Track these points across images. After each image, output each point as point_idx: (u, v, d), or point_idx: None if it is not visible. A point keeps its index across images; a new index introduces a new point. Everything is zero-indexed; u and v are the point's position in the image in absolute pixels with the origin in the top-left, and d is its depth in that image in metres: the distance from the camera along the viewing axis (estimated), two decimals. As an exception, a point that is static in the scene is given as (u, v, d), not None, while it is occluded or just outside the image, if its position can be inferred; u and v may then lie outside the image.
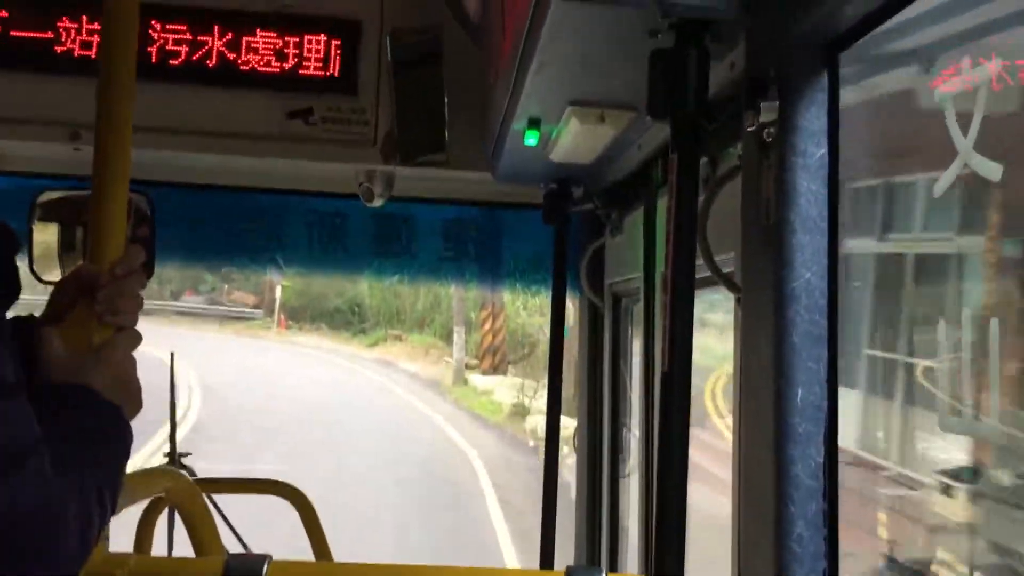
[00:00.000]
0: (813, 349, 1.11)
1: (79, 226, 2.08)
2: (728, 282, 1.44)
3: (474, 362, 20.82)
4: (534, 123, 1.82)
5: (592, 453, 2.60)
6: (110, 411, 1.04)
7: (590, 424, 2.62)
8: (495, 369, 19.94)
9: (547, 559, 2.30)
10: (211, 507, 1.89)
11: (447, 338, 22.59)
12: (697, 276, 1.26)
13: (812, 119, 1.10)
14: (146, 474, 1.56)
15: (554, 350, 2.48)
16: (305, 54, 2.31)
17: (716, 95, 1.29)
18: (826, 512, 1.09)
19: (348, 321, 28.27)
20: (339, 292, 28.24)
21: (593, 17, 1.22)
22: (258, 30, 2.29)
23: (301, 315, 29.74)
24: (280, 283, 26.11)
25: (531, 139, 1.89)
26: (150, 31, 2.25)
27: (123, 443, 1.05)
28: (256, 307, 28.58)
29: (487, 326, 20.49)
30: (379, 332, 26.90)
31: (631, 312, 2.47)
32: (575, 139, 1.81)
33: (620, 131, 1.77)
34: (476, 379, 19.23)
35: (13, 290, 0.99)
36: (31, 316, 1.21)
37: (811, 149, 1.09)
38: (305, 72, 2.31)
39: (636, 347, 2.32)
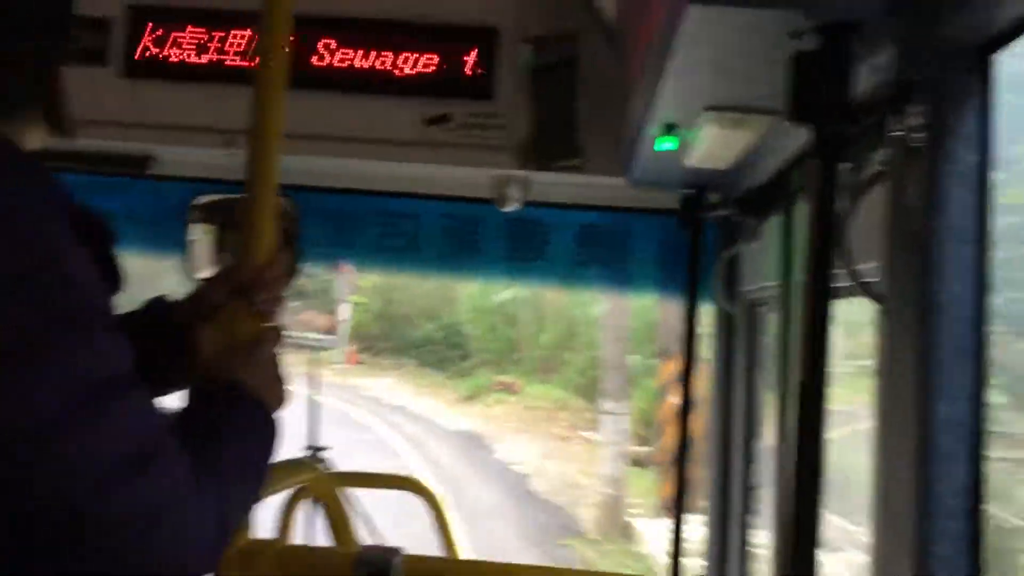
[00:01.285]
0: (960, 364, 1.06)
1: (231, 228, 2.19)
2: (870, 292, 1.39)
3: (642, 450, 11.08)
4: (670, 128, 1.81)
5: (723, 463, 2.56)
6: (258, 407, 1.09)
7: (721, 434, 2.57)
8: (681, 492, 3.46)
9: (676, 568, 2.28)
10: (347, 500, 1.96)
11: (586, 392, 14.20)
12: (836, 285, 1.23)
13: (964, 124, 1.05)
14: (289, 465, 1.63)
15: (687, 360, 2.46)
16: (444, 61, 2.37)
17: (860, 99, 1.25)
18: (970, 534, 1.04)
19: (443, 357, 19.87)
20: (431, 314, 20.65)
21: (732, 21, 1.20)
22: (400, 39, 2.36)
23: (380, 345, 21.65)
24: (347, 299, 19.25)
25: (667, 144, 1.88)
26: (300, 41, 2.34)
27: (269, 437, 1.10)
28: (329, 331, 20.74)
29: (670, 399, 9.23)
30: (481, 376, 17.98)
31: (765, 321, 2.42)
32: (712, 144, 1.79)
33: (758, 136, 1.74)
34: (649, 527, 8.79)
35: (117, 282, 1.04)
36: (173, 305, 1.28)
37: (963, 155, 1.05)
38: (443, 79, 2.36)
39: (770, 357, 2.27)
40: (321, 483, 1.49)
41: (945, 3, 1.07)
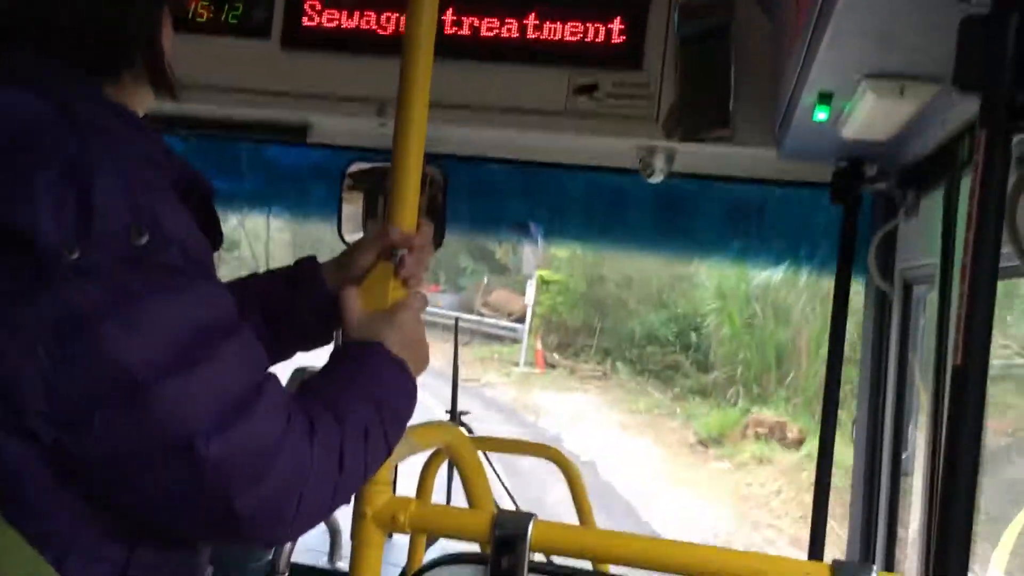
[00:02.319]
0: None
1: (380, 195, 2.25)
2: None
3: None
4: (825, 97, 1.74)
5: (871, 447, 2.46)
6: (398, 365, 1.12)
7: (871, 416, 2.48)
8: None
9: (816, 550, 2.22)
10: (486, 464, 1.99)
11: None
12: (1002, 264, 1.16)
13: None
14: (429, 427, 1.67)
15: (835, 338, 2.37)
16: (592, 29, 2.34)
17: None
18: None
19: (671, 365, 13.23)
20: (656, 300, 14.01)
21: (895, -17, 1.14)
22: (547, 7, 2.35)
23: (580, 342, 14.96)
24: (535, 273, 14.07)
25: (822, 114, 1.80)
26: (448, 10, 2.37)
27: (409, 398, 1.13)
28: (520, 320, 15.48)
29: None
30: (731, 408, 11.17)
31: (923, 301, 2.31)
32: (870, 114, 1.71)
33: (921, 105, 1.65)
34: None
35: (218, 236, 1.09)
36: (322, 265, 1.32)
37: None
38: (592, 47, 2.34)
39: (926, 338, 2.16)
40: (460, 446, 1.52)
41: None
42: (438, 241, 2.44)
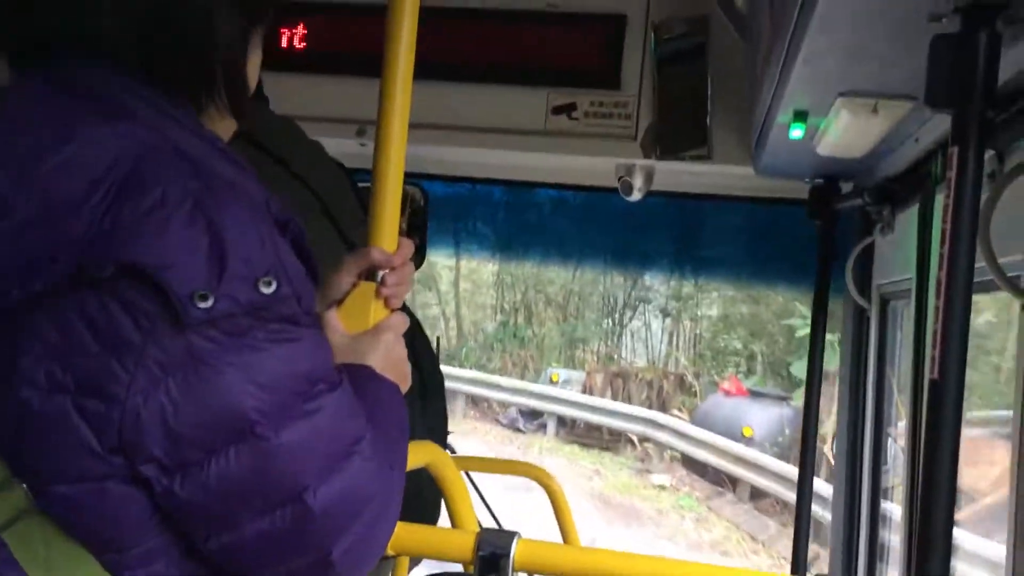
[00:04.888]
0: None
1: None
2: (1013, 287, 1.32)
3: None
4: (800, 115, 1.76)
5: (851, 462, 2.48)
6: (391, 388, 1.12)
7: (850, 431, 2.49)
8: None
9: (798, 566, 2.22)
10: (468, 483, 1.99)
11: None
12: (976, 279, 1.17)
13: (1121, 108, 0.99)
14: (411, 447, 1.66)
15: (814, 353, 2.39)
16: (570, 49, 2.36)
17: (1007, 83, 1.19)
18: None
19: None
20: None
21: (868, 3, 1.16)
22: (526, 27, 2.37)
23: None
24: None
25: (797, 132, 1.82)
26: (426, 31, 2.38)
27: (404, 418, 1.13)
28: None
29: None
30: None
31: (900, 316, 2.33)
32: (845, 132, 1.73)
33: (895, 123, 1.67)
34: None
35: (316, 278, 1.04)
36: None
37: (1118, 142, 0.99)
38: (570, 67, 2.36)
39: (904, 353, 2.18)
40: (443, 466, 1.52)
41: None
42: (419, 260, 2.44)
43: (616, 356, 19.23)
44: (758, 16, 1.93)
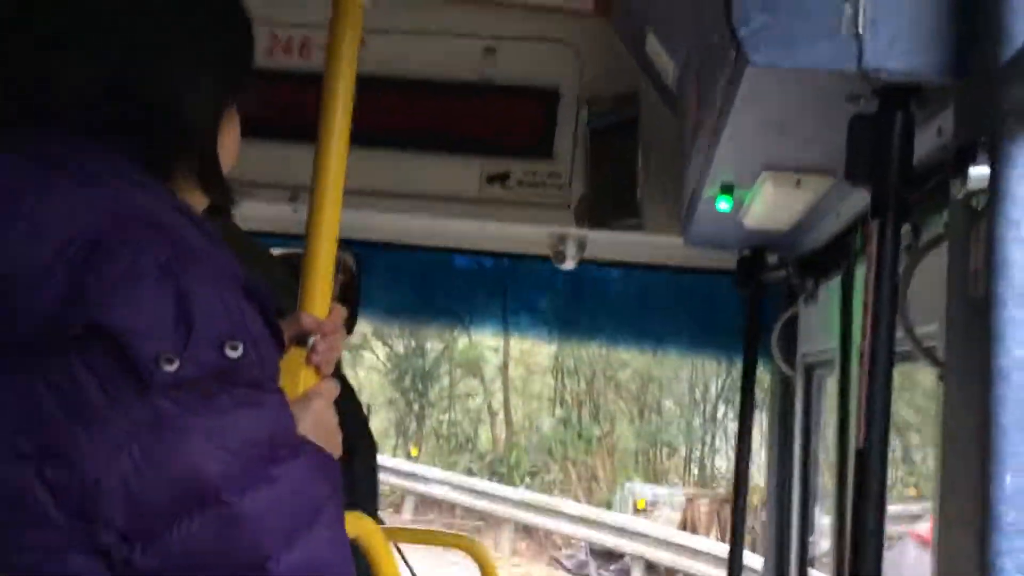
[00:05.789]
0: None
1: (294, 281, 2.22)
2: (931, 357, 1.36)
3: None
4: (727, 188, 1.81)
5: (780, 531, 2.50)
6: (328, 457, 1.10)
7: (778, 500, 2.52)
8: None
9: None
10: (397, 555, 1.95)
11: None
12: (897, 349, 1.21)
13: (1026, 187, 1.04)
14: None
15: (743, 421, 2.42)
16: (504, 120, 2.41)
17: (921, 161, 1.24)
18: (1038, 611, 1.00)
19: None
20: None
21: (789, 83, 1.21)
22: (461, 97, 2.41)
23: None
24: None
25: (724, 204, 1.87)
26: (362, 99, 2.40)
27: (339, 489, 1.10)
28: None
29: None
30: None
31: (824, 385, 2.38)
32: (770, 205, 1.79)
33: (817, 197, 1.73)
34: None
35: (281, 342, 1.04)
36: None
37: (1022, 218, 1.03)
38: (503, 137, 2.40)
39: (829, 421, 2.22)
40: (371, 536, 1.49)
41: (1009, 65, 1.06)
42: (350, 326, 2.42)
43: (710, 465, 14.82)
44: (687, 92, 1.99)
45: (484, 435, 17.16)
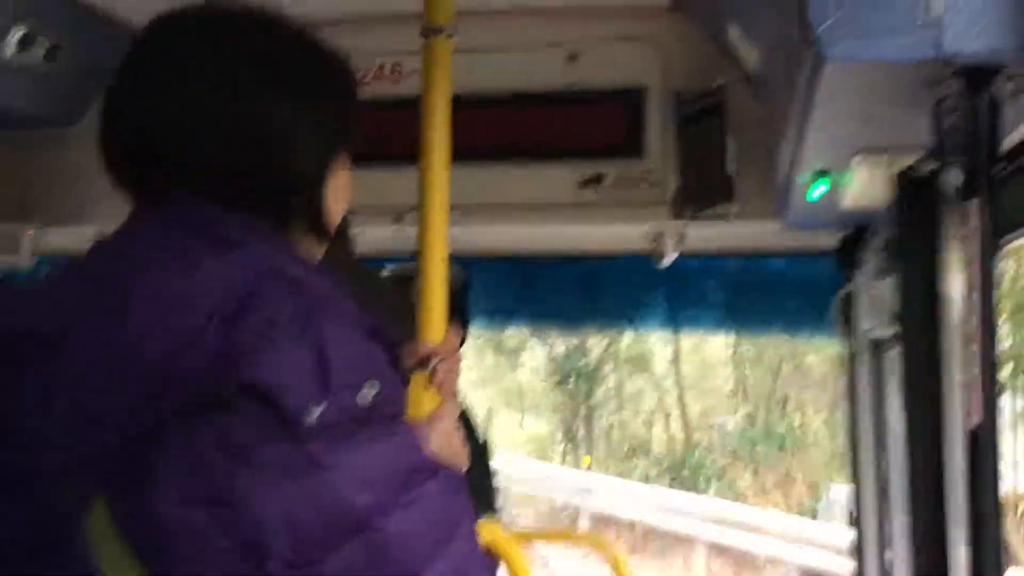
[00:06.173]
0: None
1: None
2: None
3: None
4: (821, 173, 1.82)
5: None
6: (459, 476, 1.17)
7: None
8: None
9: None
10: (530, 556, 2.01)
11: None
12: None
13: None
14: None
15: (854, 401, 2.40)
16: (593, 124, 2.45)
17: (1012, 138, 1.24)
18: None
19: None
20: None
21: (869, 74, 1.22)
22: (549, 106, 2.46)
23: None
24: None
25: (819, 189, 1.88)
26: (459, 118, 2.48)
27: (470, 506, 1.18)
28: None
29: None
30: None
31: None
32: (865, 186, 1.79)
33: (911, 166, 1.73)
34: None
35: (406, 379, 1.14)
36: None
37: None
38: (594, 141, 2.45)
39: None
40: (503, 542, 1.55)
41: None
42: (462, 339, 2.51)
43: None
44: (772, 81, 2.00)
45: (658, 436, 15.83)
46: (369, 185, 2.49)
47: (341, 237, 2.10)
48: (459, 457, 1.21)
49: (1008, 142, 1.23)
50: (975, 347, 1.24)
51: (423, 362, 1.26)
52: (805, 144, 1.63)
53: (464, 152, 2.44)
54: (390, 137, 2.49)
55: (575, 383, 16.64)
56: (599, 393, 16.70)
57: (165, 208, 1.09)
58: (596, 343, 16.13)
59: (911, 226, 2.07)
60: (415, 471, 1.00)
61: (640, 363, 15.80)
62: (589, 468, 14.75)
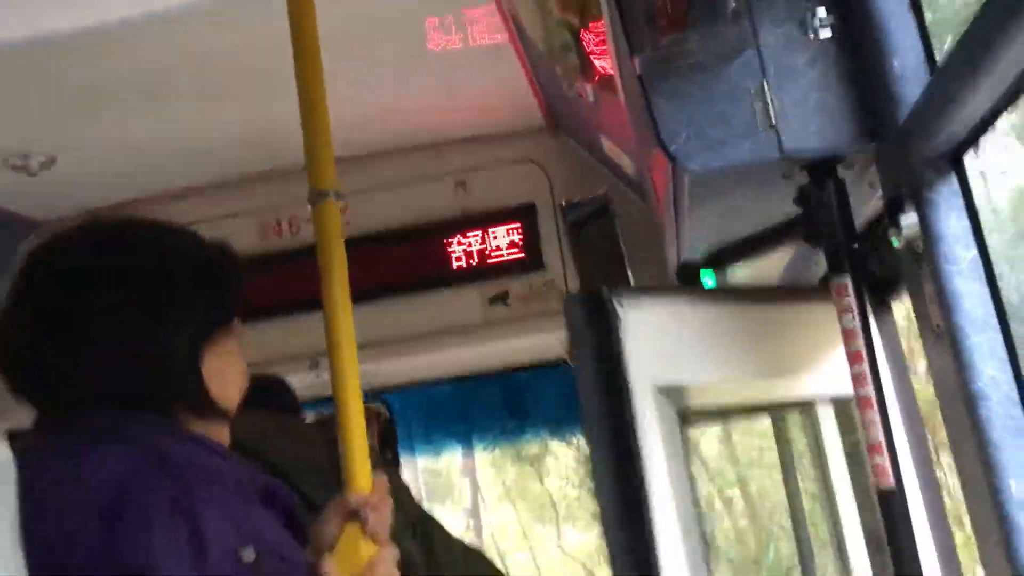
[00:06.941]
0: (1017, 440, 1.11)
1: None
2: None
3: None
4: (708, 265, 1.92)
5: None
6: None
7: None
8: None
9: None
10: None
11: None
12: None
13: (953, 224, 1.15)
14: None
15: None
16: (493, 244, 2.55)
17: (864, 217, 1.36)
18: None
19: None
20: None
21: (727, 178, 1.33)
22: (449, 234, 2.56)
23: None
24: None
25: (709, 279, 1.98)
26: (359, 257, 2.54)
27: None
28: None
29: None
30: None
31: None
32: (752, 273, 1.90)
33: (791, 257, 1.84)
34: None
35: (305, 533, 1.18)
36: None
37: (960, 253, 1.14)
38: (496, 260, 2.54)
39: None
40: None
41: (915, 117, 1.18)
42: (396, 466, 2.52)
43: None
44: (647, 187, 2.12)
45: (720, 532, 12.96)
46: (287, 333, 2.54)
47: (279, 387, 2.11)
48: None
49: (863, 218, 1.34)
50: (870, 413, 1.33)
51: (353, 513, 1.27)
52: (683, 245, 1.73)
53: (374, 290, 2.54)
54: (301, 285, 2.54)
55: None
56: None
57: (56, 418, 1.16)
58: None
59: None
60: None
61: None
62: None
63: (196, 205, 2.55)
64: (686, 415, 1.49)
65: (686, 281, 2.08)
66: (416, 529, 2.01)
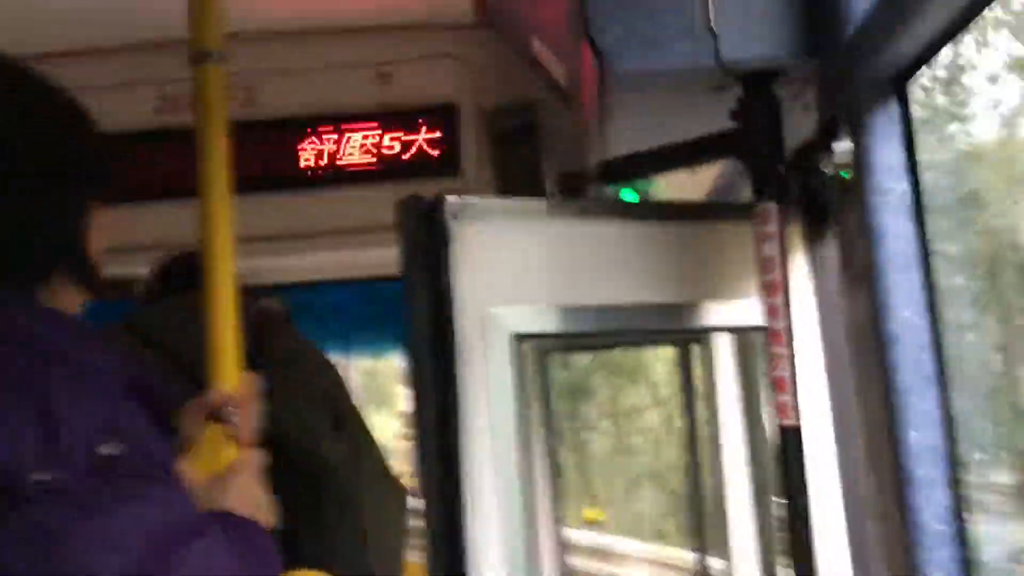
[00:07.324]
0: (923, 389, 1.07)
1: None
2: None
3: None
4: (628, 183, 1.84)
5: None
6: (255, 529, 1.09)
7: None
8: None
9: None
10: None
11: None
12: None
13: (888, 155, 1.08)
14: None
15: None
16: (407, 143, 2.41)
17: (795, 139, 1.28)
18: (959, 558, 1.04)
19: None
20: None
21: (655, 83, 1.24)
22: (362, 127, 2.41)
23: None
24: None
25: (630, 197, 1.90)
26: (263, 141, 2.39)
27: (272, 559, 1.09)
28: None
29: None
30: None
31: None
32: (672, 191, 1.82)
33: (717, 176, 1.77)
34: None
35: (173, 430, 1.07)
36: None
37: (891, 185, 1.07)
38: (409, 160, 2.41)
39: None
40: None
41: (859, 37, 1.10)
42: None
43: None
44: (576, 96, 2.02)
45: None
46: (179, 218, 2.38)
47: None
48: (261, 510, 1.13)
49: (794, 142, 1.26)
50: (780, 347, 1.27)
51: (216, 413, 1.17)
52: (608, 156, 1.64)
53: (278, 179, 2.38)
54: (181, 170, 2.37)
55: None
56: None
57: None
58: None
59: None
60: (176, 531, 0.92)
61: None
62: (600, 524, 9.73)
63: (87, 69, 2.34)
64: (543, 343, 1.37)
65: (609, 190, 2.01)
66: (345, 428, 1.89)
